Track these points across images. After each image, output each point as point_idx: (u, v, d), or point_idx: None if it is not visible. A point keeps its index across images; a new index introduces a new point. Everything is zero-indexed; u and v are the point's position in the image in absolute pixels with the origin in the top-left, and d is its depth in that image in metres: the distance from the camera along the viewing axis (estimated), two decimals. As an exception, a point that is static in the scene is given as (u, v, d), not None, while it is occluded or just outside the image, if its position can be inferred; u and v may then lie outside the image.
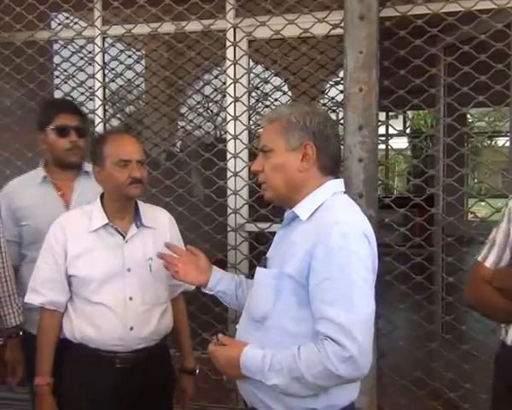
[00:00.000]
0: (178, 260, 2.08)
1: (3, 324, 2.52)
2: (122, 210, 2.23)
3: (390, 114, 7.32)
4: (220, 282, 2.04)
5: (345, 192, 1.79)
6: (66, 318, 2.24)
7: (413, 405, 3.10)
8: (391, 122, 5.21)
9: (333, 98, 4.07)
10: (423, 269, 3.14)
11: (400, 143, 15.32)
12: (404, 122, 12.92)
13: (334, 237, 1.58)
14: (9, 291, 2.52)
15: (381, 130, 9.20)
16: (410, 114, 15.05)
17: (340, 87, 3.46)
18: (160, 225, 2.32)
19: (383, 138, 7.20)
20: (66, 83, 3.84)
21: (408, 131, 14.96)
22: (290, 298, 1.66)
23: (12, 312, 2.51)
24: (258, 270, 1.80)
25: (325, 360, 1.53)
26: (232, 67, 3.45)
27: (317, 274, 1.59)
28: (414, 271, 3.08)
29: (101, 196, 2.27)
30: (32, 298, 2.27)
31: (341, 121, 3.05)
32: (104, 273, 2.17)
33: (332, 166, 1.77)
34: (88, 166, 2.70)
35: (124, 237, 2.22)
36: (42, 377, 2.22)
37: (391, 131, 10.11)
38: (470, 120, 6.97)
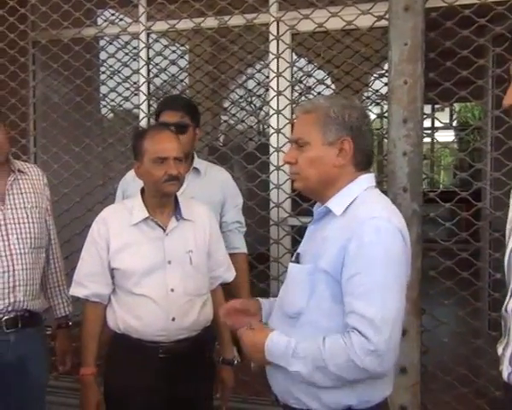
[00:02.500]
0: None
1: (53, 314, 2.60)
2: (161, 205, 2.26)
3: (436, 106, 7.18)
4: (269, 311, 1.92)
5: (376, 186, 1.76)
6: (109, 309, 2.30)
7: (457, 402, 3.04)
8: (437, 115, 5.11)
9: (377, 91, 4.02)
10: (469, 265, 3.08)
11: (447, 136, 15.00)
12: (451, 115, 12.63)
13: (367, 232, 1.56)
14: (59, 282, 2.60)
15: (427, 123, 9.04)
16: (456, 106, 14.72)
17: (385, 80, 3.42)
18: (199, 219, 2.34)
19: (428, 131, 7.06)
20: (111, 78, 3.91)
21: (455, 124, 14.63)
22: (324, 293, 1.64)
23: (62, 302, 2.59)
24: (291, 265, 1.78)
25: (350, 350, 1.52)
26: (275, 60, 3.45)
27: (349, 269, 1.57)
28: (460, 266, 3.02)
29: (142, 191, 2.30)
30: (76, 291, 2.33)
31: (385, 114, 3.02)
32: (146, 266, 2.21)
33: (365, 163, 1.74)
34: (198, 163, 2.78)
35: (164, 231, 2.25)
36: (87, 368, 2.28)
37: (436, 124, 9.91)
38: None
